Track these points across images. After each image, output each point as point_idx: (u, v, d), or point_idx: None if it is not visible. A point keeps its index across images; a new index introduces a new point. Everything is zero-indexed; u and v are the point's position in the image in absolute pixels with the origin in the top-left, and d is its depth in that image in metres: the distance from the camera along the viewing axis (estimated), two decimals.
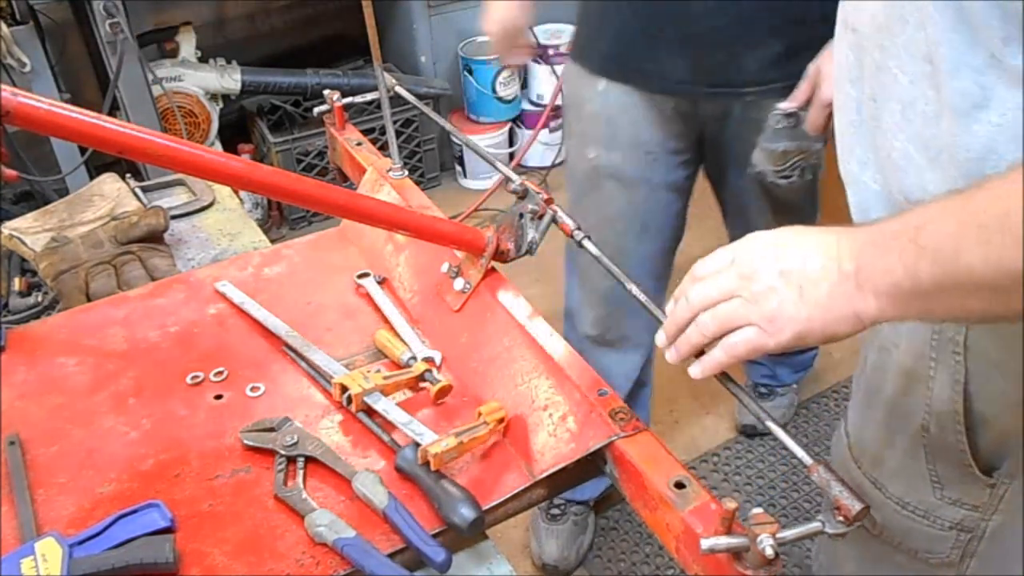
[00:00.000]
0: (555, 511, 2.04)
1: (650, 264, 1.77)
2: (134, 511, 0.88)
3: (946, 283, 0.66)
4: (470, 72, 3.23)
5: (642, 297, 0.96)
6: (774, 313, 0.75)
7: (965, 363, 0.87)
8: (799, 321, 0.75)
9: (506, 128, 3.35)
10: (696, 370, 0.84)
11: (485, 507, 0.89)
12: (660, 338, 0.87)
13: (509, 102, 3.31)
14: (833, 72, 0.95)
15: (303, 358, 1.10)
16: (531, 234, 1.09)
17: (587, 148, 1.65)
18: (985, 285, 0.64)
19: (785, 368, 2.32)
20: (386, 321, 1.17)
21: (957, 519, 0.97)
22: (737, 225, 1.86)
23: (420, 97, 1.50)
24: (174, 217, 1.45)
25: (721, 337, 0.80)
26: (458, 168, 3.43)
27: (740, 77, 1.47)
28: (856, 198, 0.92)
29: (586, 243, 1.05)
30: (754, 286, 0.77)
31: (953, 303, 0.68)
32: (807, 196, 1.72)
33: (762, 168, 1.45)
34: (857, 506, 0.74)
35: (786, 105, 1.34)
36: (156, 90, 2.60)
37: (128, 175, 1.56)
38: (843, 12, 0.92)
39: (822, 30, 1.09)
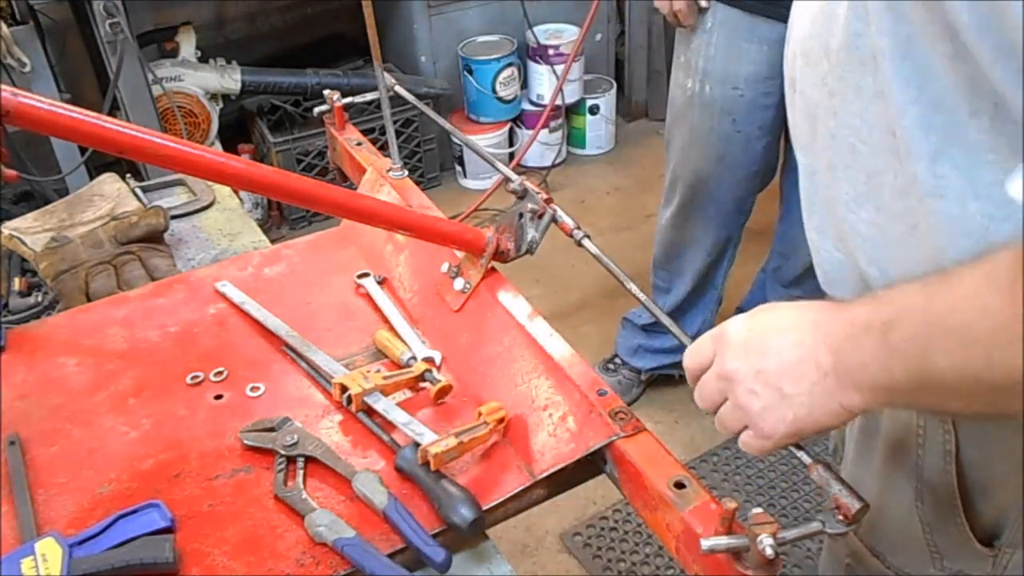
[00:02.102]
0: None
1: (732, 193, 2.05)
2: (134, 511, 0.88)
3: (921, 384, 0.64)
4: (470, 72, 3.23)
5: (641, 296, 0.99)
6: (760, 419, 0.74)
7: (955, 432, 0.83)
8: (786, 423, 0.73)
9: (506, 128, 3.35)
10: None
11: (485, 507, 0.89)
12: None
13: (509, 102, 3.31)
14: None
15: (303, 358, 1.10)
16: (531, 234, 1.10)
17: (687, 79, 1.92)
18: (957, 390, 0.62)
19: None
20: (386, 321, 1.17)
21: None
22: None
23: (420, 97, 1.50)
24: (174, 217, 1.45)
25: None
26: (458, 168, 3.42)
27: None
28: (822, 268, 0.88)
29: (585, 242, 1.06)
30: (736, 390, 0.75)
31: (932, 401, 0.67)
32: None
33: None
34: (857, 504, 0.73)
35: None
36: (156, 90, 2.60)
37: (128, 175, 1.56)
38: (789, 70, 0.85)
39: None
